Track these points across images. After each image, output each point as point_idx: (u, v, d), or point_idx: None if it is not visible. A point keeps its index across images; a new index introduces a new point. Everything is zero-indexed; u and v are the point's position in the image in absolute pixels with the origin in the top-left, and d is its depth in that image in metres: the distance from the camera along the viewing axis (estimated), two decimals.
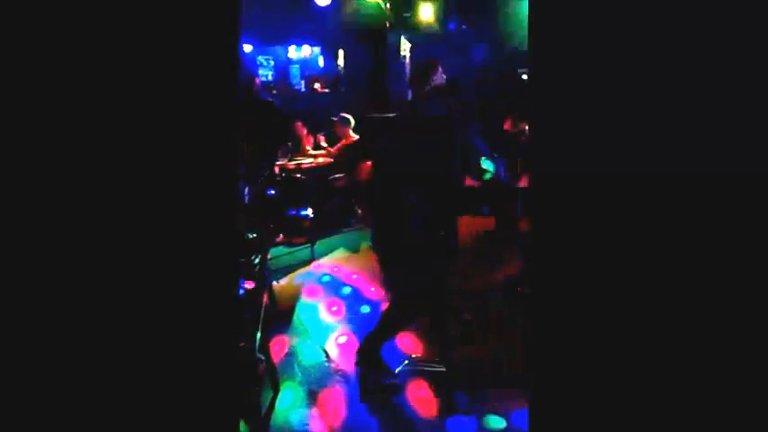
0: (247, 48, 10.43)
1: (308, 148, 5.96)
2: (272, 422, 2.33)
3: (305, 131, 6.03)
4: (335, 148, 5.66)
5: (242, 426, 2.15)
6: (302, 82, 10.87)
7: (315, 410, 2.41)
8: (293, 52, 11.43)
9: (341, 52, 9.89)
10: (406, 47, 8.38)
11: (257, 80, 4.93)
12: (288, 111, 6.03)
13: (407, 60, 8.41)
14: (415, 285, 2.42)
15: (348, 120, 5.45)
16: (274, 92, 8.78)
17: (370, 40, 8.50)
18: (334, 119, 5.73)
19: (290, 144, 5.71)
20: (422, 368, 2.70)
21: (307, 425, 2.30)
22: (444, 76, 2.38)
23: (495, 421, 2.29)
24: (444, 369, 2.64)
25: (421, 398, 2.49)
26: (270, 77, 10.86)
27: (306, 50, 11.31)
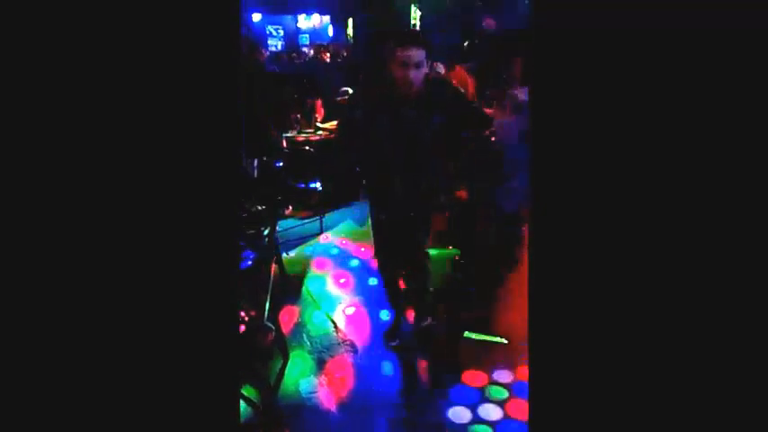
0: (256, 17, 10.28)
1: (318, 120, 5.92)
2: (281, 390, 2.40)
3: (319, 103, 5.95)
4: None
5: (252, 393, 2.22)
6: (310, 51, 10.72)
7: (323, 378, 2.48)
8: (303, 21, 11.26)
9: (350, 21, 9.74)
10: (416, 15, 8.22)
11: (264, 51, 4.89)
12: (293, 81, 5.96)
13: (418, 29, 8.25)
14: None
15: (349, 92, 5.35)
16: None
17: (379, 8, 8.33)
18: (338, 98, 5.61)
19: (298, 116, 5.68)
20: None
21: (315, 392, 2.38)
22: None
23: (497, 392, 2.34)
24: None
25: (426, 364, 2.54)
26: (279, 47, 10.73)
27: (315, 19, 11.13)
